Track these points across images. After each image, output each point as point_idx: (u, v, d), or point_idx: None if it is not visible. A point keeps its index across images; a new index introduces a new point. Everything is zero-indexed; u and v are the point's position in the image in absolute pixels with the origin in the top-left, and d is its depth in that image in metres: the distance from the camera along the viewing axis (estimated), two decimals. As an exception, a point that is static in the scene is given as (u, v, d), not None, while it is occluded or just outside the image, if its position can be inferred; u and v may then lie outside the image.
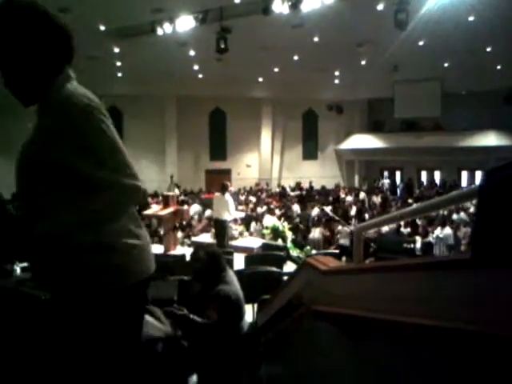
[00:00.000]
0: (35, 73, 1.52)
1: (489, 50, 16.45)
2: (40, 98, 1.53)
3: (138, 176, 1.57)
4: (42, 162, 1.47)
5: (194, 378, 3.29)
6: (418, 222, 12.22)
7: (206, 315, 3.18)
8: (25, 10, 1.49)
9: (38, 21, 1.51)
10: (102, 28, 13.69)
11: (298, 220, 14.22)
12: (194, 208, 14.47)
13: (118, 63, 17.80)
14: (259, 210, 14.91)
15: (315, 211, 15.39)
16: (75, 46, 1.67)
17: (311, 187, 22.91)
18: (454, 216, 12.94)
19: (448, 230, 11.18)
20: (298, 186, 22.66)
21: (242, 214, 12.59)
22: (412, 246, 10.85)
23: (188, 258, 6.67)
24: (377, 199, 18.42)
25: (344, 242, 10.92)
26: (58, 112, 1.47)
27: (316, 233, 12.52)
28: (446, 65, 19.09)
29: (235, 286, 3.49)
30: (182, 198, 16.56)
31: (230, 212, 10.00)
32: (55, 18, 1.60)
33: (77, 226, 1.48)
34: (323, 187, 22.92)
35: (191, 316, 3.10)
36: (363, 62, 18.57)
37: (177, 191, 18.25)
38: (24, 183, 1.53)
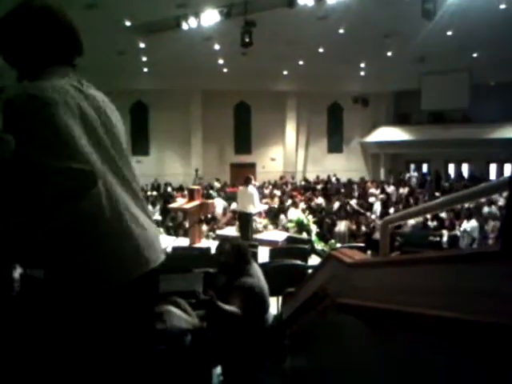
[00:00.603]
0: (30, 69, 1.62)
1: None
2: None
3: (89, 160, 1.46)
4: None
5: (219, 369, 3.32)
6: (444, 215, 12.06)
7: (231, 304, 3.20)
8: (36, 12, 1.61)
9: (45, 21, 1.61)
10: (128, 24, 13.82)
11: (323, 214, 14.16)
12: (218, 202, 14.54)
13: (144, 58, 17.96)
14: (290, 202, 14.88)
15: (336, 204, 15.27)
16: (80, 45, 1.74)
17: (337, 179, 22.78)
18: (485, 209, 12.68)
19: (474, 223, 11.01)
20: (318, 180, 22.55)
21: (265, 207, 12.59)
22: (438, 239, 10.73)
23: (213, 251, 6.72)
24: (403, 191, 18.25)
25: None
26: (6, 107, 1.46)
27: (342, 226, 12.45)
28: (474, 55, 18.71)
29: (260, 278, 3.50)
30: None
31: (255, 205, 10.01)
32: (63, 17, 1.67)
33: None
34: (349, 180, 22.72)
35: (218, 302, 3.13)
36: (389, 54, 18.32)
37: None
38: None
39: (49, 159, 1.37)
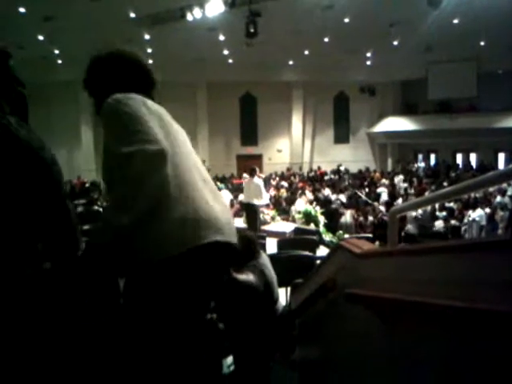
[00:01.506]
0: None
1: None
2: None
3: (161, 141, 1.64)
4: (103, 151, 1.73)
5: (229, 359, 3.34)
6: (453, 205, 12.03)
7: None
8: (114, 60, 1.95)
9: (124, 66, 1.94)
10: (132, 15, 13.79)
11: (333, 206, 14.10)
12: (225, 194, 14.54)
13: (149, 50, 17.93)
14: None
15: (341, 196, 15.17)
16: (154, 81, 2.10)
17: (346, 170, 22.75)
18: (498, 198, 12.56)
19: (480, 211, 10.97)
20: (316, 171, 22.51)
21: (269, 195, 12.58)
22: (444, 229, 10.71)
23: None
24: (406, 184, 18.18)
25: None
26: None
27: (347, 217, 12.42)
28: (481, 43, 18.50)
29: (268, 268, 3.50)
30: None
31: (263, 195, 10.01)
32: (139, 61, 2.02)
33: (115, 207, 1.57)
34: (360, 171, 22.65)
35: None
36: (395, 43, 18.16)
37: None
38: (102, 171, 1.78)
39: (128, 145, 1.57)
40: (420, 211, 11.21)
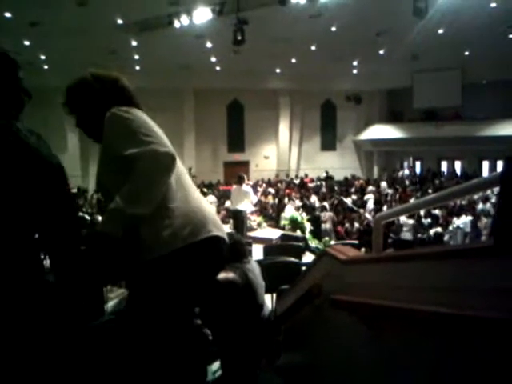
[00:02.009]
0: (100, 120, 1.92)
1: (511, 37, 16.10)
2: None
3: (168, 145, 1.78)
4: (106, 156, 1.88)
5: (214, 366, 3.32)
6: (437, 212, 12.13)
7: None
8: (88, 85, 2.02)
9: (110, 89, 2.04)
10: (120, 21, 13.75)
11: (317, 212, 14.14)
12: (210, 199, 14.55)
13: (136, 56, 17.90)
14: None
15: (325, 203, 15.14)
16: (130, 94, 2.12)
17: (330, 177, 22.82)
18: (480, 205, 12.72)
19: (465, 219, 11.09)
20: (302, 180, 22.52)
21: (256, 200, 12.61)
22: (426, 236, 10.79)
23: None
24: (391, 191, 18.28)
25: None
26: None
27: (327, 224, 12.47)
28: (466, 53, 18.78)
29: (256, 275, 3.47)
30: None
31: (252, 201, 10.16)
32: (112, 79, 2.11)
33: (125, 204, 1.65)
34: (346, 178, 22.74)
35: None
36: (382, 52, 18.36)
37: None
38: (99, 176, 1.94)
39: (137, 147, 1.70)
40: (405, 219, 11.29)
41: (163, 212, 1.78)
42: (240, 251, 3.51)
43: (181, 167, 1.97)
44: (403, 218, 10.94)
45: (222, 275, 3.27)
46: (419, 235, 11.07)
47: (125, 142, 1.75)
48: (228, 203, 13.13)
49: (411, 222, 10.93)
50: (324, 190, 19.25)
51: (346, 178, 22.65)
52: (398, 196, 16.42)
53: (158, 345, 1.80)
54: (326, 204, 14.08)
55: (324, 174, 23.17)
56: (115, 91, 2.05)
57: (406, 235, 10.78)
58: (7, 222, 1.53)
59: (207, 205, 2.02)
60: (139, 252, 1.76)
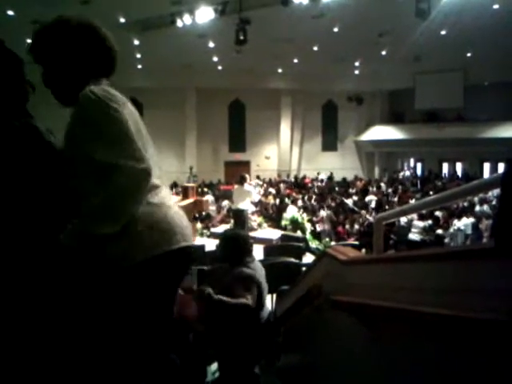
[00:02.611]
0: (74, 81, 1.74)
1: (514, 39, 16.09)
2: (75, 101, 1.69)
3: (147, 160, 1.63)
4: (68, 152, 1.68)
5: (213, 366, 3.32)
6: (438, 213, 12.10)
7: (238, 296, 3.17)
8: (76, 28, 1.79)
9: (86, 38, 1.79)
10: (122, 20, 13.75)
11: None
12: (208, 198, 14.53)
13: (138, 55, 17.89)
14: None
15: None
16: (116, 60, 1.91)
17: (329, 178, 22.82)
18: (477, 208, 12.73)
19: (467, 220, 11.07)
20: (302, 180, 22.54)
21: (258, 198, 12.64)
22: (429, 238, 10.76)
23: (207, 248, 6.70)
24: (391, 190, 18.26)
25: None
26: (77, 106, 1.66)
27: (325, 225, 12.45)
28: (468, 55, 18.76)
29: (260, 274, 3.46)
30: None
31: (254, 199, 10.36)
32: (102, 35, 1.84)
33: (94, 215, 1.58)
34: (344, 179, 22.74)
35: (217, 296, 3.12)
36: (384, 53, 18.34)
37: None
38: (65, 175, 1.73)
39: (115, 157, 1.56)
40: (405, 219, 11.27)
41: (132, 224, 1.64)
42: (244, 246, 3.50)
43: (155, 173, 1.77)
44: (414, 221, 11.00)
45: (245, 272, 3.30)
46: (423, 237, 11.04)
47: (105, 146, 1.59)
48: (225, 202, 13.19)
49: (422, 224, 10.91)
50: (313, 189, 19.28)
51: (344, 179, 22.61)
52: (397, 197, 16.38)
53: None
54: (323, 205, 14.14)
55: (322, 176, 23.11)
56: (100, 51, 1.81)
57: (414, 236, 10.77)
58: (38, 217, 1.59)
59: (177, 212, 1.87)
60: (100, 264, 1.64)
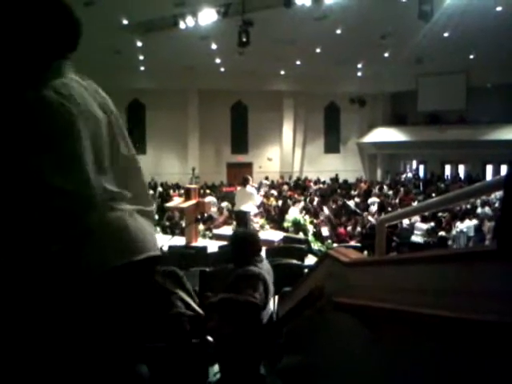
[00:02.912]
0: (27, 55, 1.41)
1: (516, 41, 16.07)
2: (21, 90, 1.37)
3: (93, 183, 1.44)
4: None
5: (215, 367, 3.31)
6: (440, 215, 12.09)
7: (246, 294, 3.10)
8: None
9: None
10: (125, 22, 13.79)
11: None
12: (209, 199, 14.53)
13: (141, 57, 17.93)
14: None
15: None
16: (79, 32, 1.56)
17: (335, 180, 22.81)
18: (479, 210, 12.71)
19: (469, 223, 11.06)
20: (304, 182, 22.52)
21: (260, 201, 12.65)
22: (432, 240, 10.75)
23: (209, 250, 6.71)
24: (396, 192, 18.22)
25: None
26: (25, 109, 1.34)
27: (325, 230, 12.43)
28: (471, 57, 18.74)
29: (265, 272, 3.43)
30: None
31: (256, 202, 10.36)
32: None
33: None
34: (345, 181, 22.72)
35: (220, 296, 3.11)
36: (386, 55, 18.35)
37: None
38: None
39: (59, 179, 1.35)
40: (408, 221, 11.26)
41: (86, 239, 1.48)
42: (253, 246, 3.48)
43: (115, 179, 1.59)
44: (417, 223, 10.99)
45: (251, 270, 3.27)
46: (426, 239, 11.03)
47: (52, 164, 1.35)
48: (224, 204, 13.23)
49: (424, 226, 10.90)
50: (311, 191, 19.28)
51: (345, 181, 22.59)
52: (398, 199, 16.37)
53: None
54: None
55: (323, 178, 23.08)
56: (62, 23, 1.49)
57: (417, 238, 10.75)
58: None
59: (140, 215, 1.69)
60: (59, 277, 1.47)
